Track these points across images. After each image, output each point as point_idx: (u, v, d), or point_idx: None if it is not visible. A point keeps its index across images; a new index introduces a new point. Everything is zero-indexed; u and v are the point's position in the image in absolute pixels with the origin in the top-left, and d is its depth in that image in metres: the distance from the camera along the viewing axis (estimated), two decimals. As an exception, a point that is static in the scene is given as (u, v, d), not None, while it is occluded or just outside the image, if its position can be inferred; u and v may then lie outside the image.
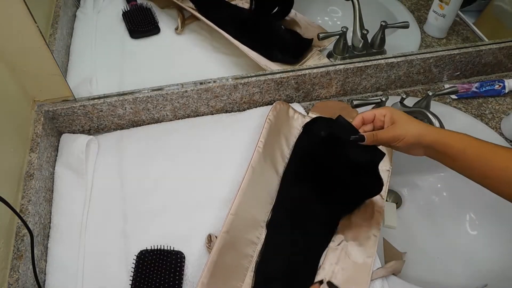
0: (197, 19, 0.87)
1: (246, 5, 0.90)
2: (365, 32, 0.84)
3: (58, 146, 0.73)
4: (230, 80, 0.76)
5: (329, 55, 0.87)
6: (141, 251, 0.60)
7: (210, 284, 0.55)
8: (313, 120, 0.75)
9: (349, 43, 0.85)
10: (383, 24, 0.83)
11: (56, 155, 0.72)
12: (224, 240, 0.58)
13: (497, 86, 0.87)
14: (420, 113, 0.71)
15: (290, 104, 0.79)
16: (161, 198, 0.68)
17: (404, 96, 0.74)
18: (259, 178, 0.66)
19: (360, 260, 0.60)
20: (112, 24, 0.89)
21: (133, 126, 0.78)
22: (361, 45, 0.85)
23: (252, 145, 0.71)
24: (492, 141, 0.53)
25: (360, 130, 0.59)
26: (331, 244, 0.62)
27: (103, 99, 0.72)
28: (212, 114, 0.81)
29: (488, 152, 0.51)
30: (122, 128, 0.78)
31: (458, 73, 0.90)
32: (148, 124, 0.78)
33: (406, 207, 0.83)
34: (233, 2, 0.90)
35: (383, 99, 0.73)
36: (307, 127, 0.75)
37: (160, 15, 0.91)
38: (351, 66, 0.80)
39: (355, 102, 0.72)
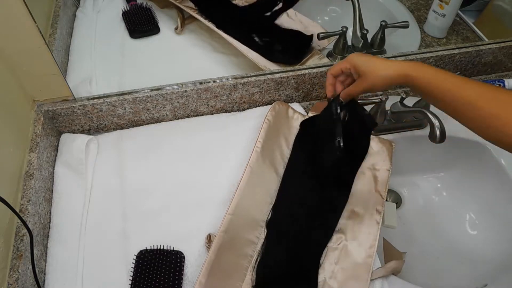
0: (197, 19, 0.87)
1: (247, 5, 0.89)
2: (365, 31, 0.83)
3: (57, 146, 0.73)
4: (230, 79, 0.76)
5: (329, 55, 0.87)
6: (140, 251, 0.60)
7: (208, 283, 0.55)
8: (311, 118, 0.75)
9: (349, 42, 0.85)
10: (383, 23, 0.83)
11: (56, 155, 0.72)
12: (222, 239, 0.58)
13: (497, 86, 0.87)
14: (420, 112, 0.71)
15: (289, 104, 0.79)
16: (160, 197, 0.68)
17: (404, 96, 0.74)
18: (258, 178, 0.66)
19: (360, 259, 0.60)
20: (112, 24, 0.89)
21: (133, 126, 0.78)
22: (361, 44, 0.85)
23: (252, 145, 0.70)
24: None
25: (335, 88, 0.61)
26: (331, 244, 0.62)
27: (103, 99, 0.72)
28: (212, 113, 0.81)
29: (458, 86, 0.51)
30: (122, 128, 0.78)
31: (458, 72, 0.90)
32: (148, 124, 0.78)
33: (406, 207, 0.83)
34: (233, 2, 0.90)
35: (383, 98, 0.73)
36: (304, 124, 0.74)
37: (160, 15, 0.91)
38: (351, 66, 0.79)
39: (355, 102, 0.72)
